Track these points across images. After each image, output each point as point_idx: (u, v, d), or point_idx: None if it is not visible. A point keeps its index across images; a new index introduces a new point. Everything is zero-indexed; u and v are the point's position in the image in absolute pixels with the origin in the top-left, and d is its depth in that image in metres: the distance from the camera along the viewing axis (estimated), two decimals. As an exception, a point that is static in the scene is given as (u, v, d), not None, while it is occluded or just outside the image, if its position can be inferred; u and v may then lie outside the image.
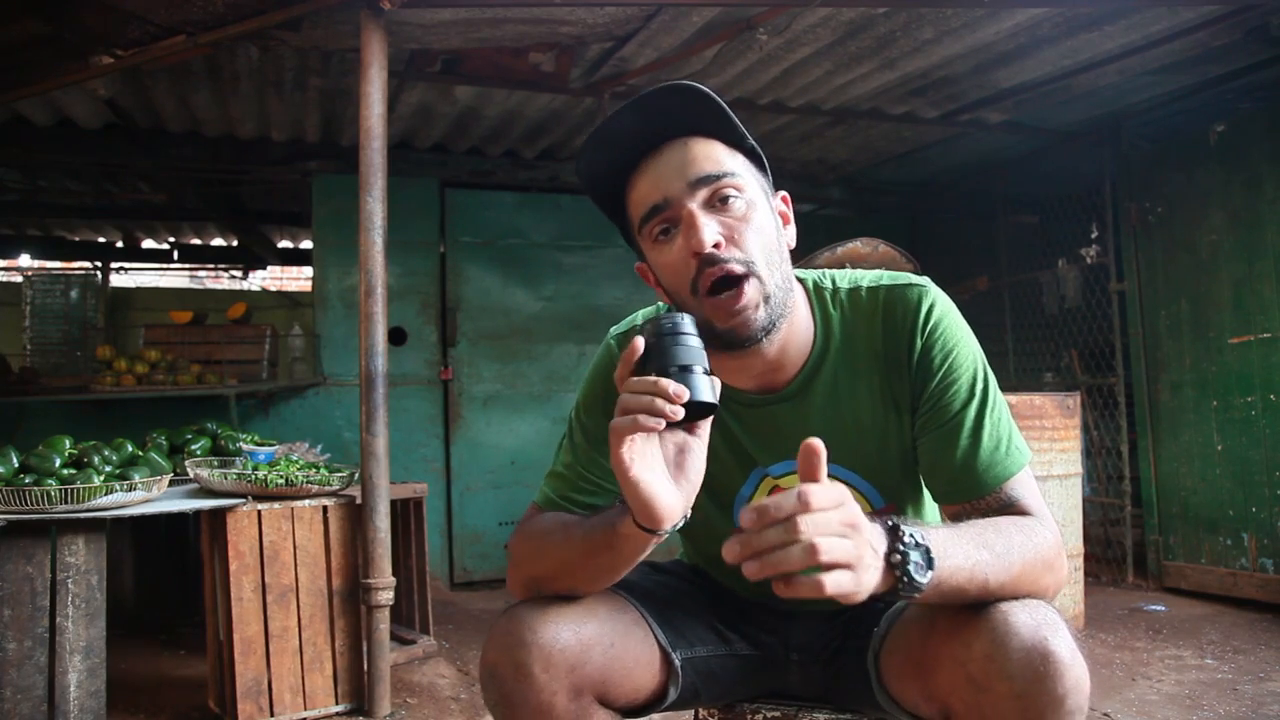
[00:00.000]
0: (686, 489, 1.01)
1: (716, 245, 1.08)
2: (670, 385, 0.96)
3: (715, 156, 1.11)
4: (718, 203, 1.10)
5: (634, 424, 0.95)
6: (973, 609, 1.02)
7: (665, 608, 1.28)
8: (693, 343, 1.01)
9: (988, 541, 1.03)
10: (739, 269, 1.08)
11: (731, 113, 1.11)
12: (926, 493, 1.29)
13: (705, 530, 1.33)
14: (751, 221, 1.11)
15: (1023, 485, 1.14)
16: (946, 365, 1.16)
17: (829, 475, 1.23)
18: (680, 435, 1.02)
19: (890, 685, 1.15)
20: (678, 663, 1.23)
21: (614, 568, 1.12)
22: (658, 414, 0.95)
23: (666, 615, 1.26)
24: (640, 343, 1.00)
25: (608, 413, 1.21)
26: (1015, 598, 1.02)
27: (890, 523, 0.94)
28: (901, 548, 0.93)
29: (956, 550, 0.99)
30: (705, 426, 1.03)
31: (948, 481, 1.16)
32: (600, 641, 1.13)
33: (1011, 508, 1.12)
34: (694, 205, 1.09)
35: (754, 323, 1.10)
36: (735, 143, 1.14)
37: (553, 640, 1.09)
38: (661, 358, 0.99)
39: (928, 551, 0.95)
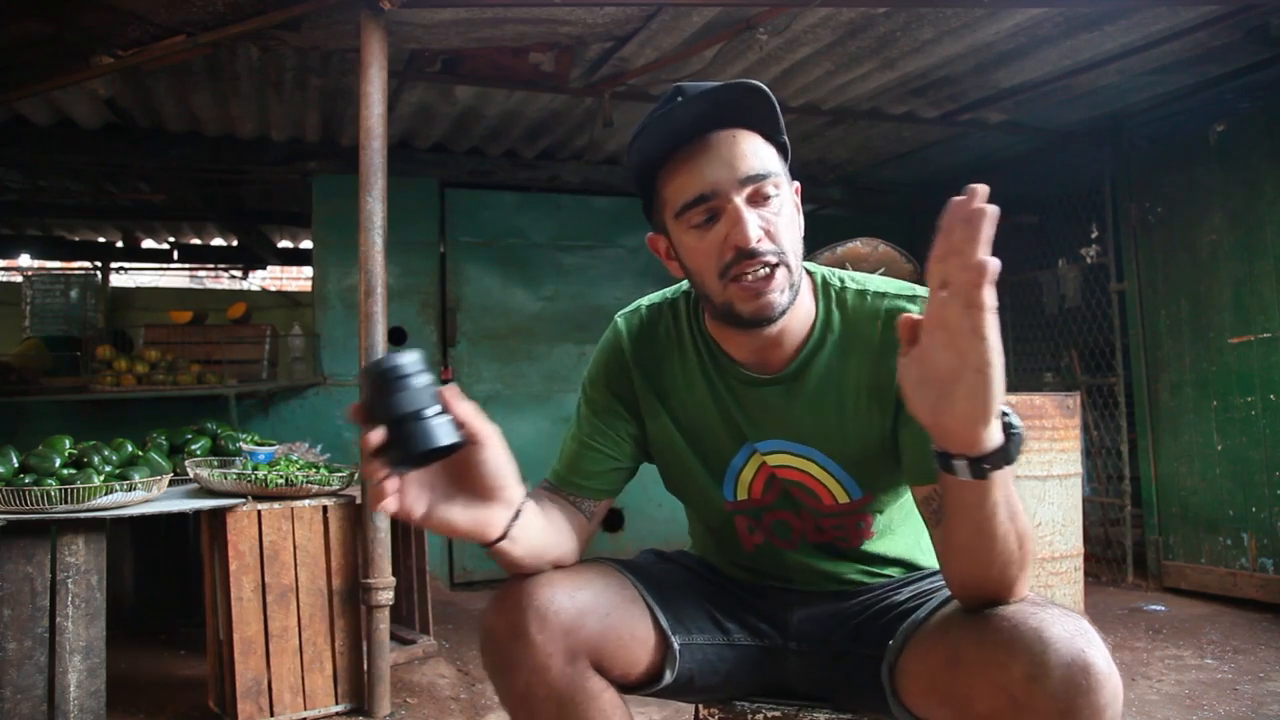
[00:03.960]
0: (497, 495, 1.07)
1: (758, 240, 1.14)
2: (370, 445, 0.96)
3: (761, 153, 1.17)
4: (759, 198, 1.16)
5: (376, 496, 0.98)
6: (1000, 626, 1.01)
7: (666, 592, 1.30)
8: (416, 384, 0.96)
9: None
10: (774, 259, 1.15)
11: (779, 111, 1.17)
12: (901, 496, 1.32)
13: (701, 500, 1.38)
14: (784, 216, 1.18)
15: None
16: None
17: (810, 460, 1.28)
18: (457, 456, 1.05)
19: (914, 708, 1.15)
20: (676, 646, 1.25)
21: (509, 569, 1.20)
22: (379, 482, 0.97)
23: (667, 599, 1.29)
24: (353, 409, 0.98)
25: (610, 388, 1.34)
26: (1017, 555, 1.02)
27: None
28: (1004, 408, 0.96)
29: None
30: (484, 442, 1.05)
31: (921, 460, 1.17)
32: (596, 609, 1.17)
33: None
34: (740, 200, 1.15)
35: (777, 306, 1.17)
36: (772, 135, 1.20)
37: (548, 603, 1.13)
38: (380, 410, 0.96)
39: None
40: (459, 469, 1.06)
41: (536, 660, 1.12)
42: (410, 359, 0.97)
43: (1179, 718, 2.74)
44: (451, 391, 1.00)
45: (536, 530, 1.17)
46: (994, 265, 0.84)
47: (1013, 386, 5.05)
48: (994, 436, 0.93)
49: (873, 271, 3.47)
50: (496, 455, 1.06)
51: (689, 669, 1.27)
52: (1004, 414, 0.95)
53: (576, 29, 3.36)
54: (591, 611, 1.16)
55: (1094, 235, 4.72)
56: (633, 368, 1.33)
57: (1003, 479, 0.97)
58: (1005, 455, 0.95)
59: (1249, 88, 4.05)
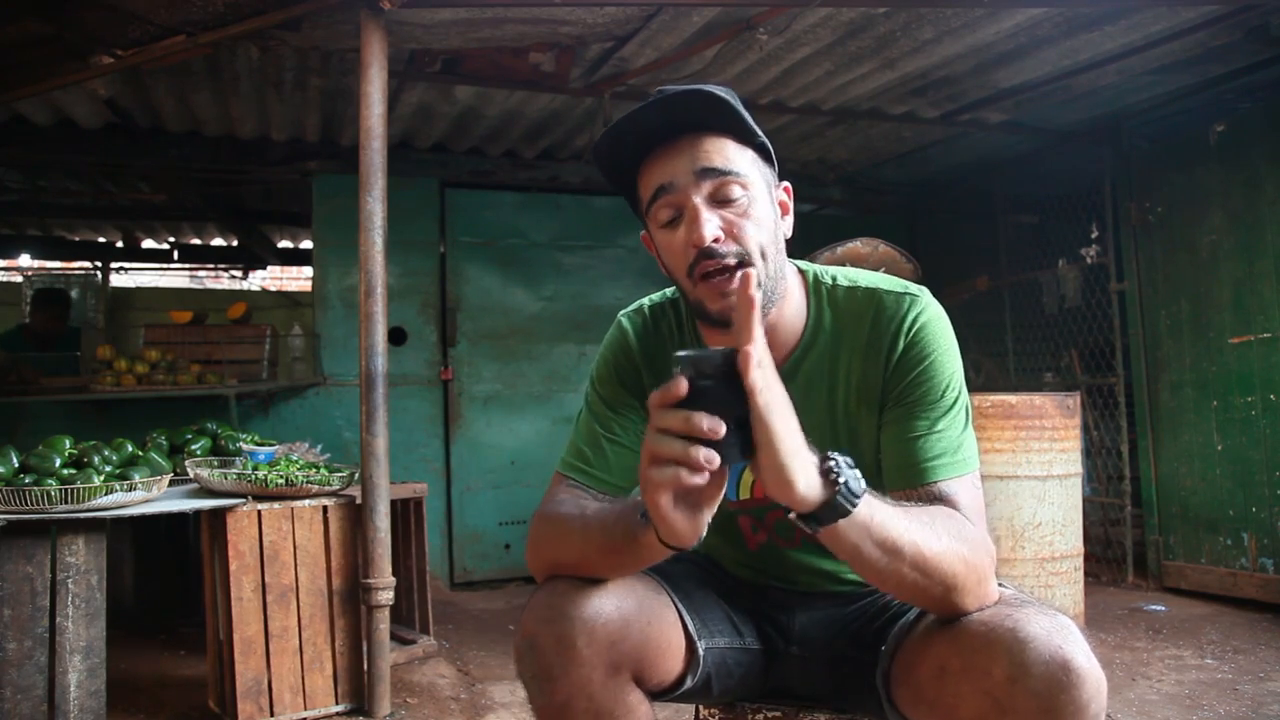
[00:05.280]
0: (707, 514, 0.99)
1: (716, 240, 1.14)
2: (706, 435, 0.89)
3: (725, 153, 1.17)
4: (721, 197, 1.16)
5: (675, 479, 0.91)
6: (977, 631, 1.02)
7: (690, 594, 1.30)
8: (737, 384, 0.91)
9: (914, 514, 1.05)
10: (733, 261, 1.15)
11: (745, 112, 1.16)
12: None
13: None
14: (752, 217, 1.17)
15: (961, 488, 1.15)
16: (920, 368, 1.20)
17: None
18: None
19: (906, 712, 1.16)
20: (701, 651, 1.24)
21: (632, 566, 1.14)
22: (697, 468, 0.90)
23: (692, 602, 1.28)
24: (684, 385, 0.91)
25: (621, 381, 1.34)
26: (951, 576, 1.03)
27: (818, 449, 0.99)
28: (831, 459, 0.97)
29: (887, 506, 1.02)
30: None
31: (897, 468, 1.19)
32: (639, 619, 1.14)
33: (942, 502, 1.14)
34: (698, 199, 1.15)
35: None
36: (746, 139, 1.20)
37: (596, 614, 1.10)
38: (724, 407, 0.90)
39: (856, 471, 0.98)
40: None
41: (581, 673, 1.09)
42: (727, 354, 0.93)
43: (1179, 718, 2.74)
44: None
45: None
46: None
47: (1013, 386, 5.02)
48: (810, 498, 0.94)
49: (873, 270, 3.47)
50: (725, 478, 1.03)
51: (708, 674, 1.27)
52: (833, 472, 0.96)
53: (576, 29, 3.36)
54: (635, 620, 1.14)
55: (1094, 235, 4.72)
56: (641, 365, 1.34)
57: (854, 528, 0.97)
58: (832, 512, 0.96)
59: (1249, 88, 4.05)
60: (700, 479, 0.90)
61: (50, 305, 5.12)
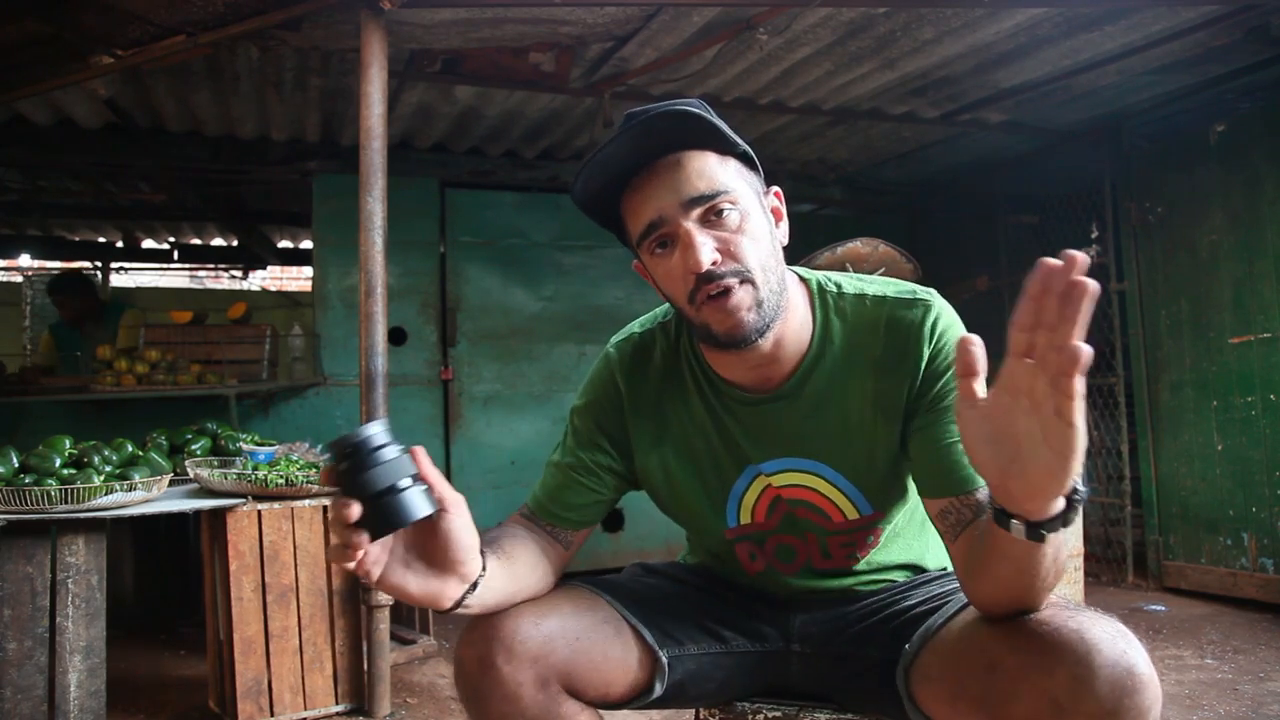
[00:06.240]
0: (453, 566, 1.04)
1: (714, 263, 1.11)
2: (349, 519, 0.95)
3: (707, 172, 1.13)
4: (712, 217, 1.13)
5: (340, 556, 0.98)
6: (1040, 632, 1.01)
7: (650, 607, 1.30)
8: (388, 456, 0.96)
9: None
10: (734, 281, 1.12)
11: (722, 124, 1.12)
12: (908, 504, 1.30)
13: (700, 529, 1.36)
14: (746, 232, 1.14)
15: None
16: (951, 372, 1.17)
17: (816, 475, 1.26)
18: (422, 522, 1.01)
19: (932, 712, 1.14)
20: (665, 660, 1.25)
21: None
22: (349, 547, 0.96)
23: (652, 615, 1.29)
24: (331, 472, 0.97)
25: (598, 423, 1.33)
26: (1059, 572, 1.02)
27: None
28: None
29: None
30: (450, 509, 1.03)
31: (937, 475, 1.16)
32: (564, 635, 1.17)
33: (986, 508, 1.12)
34: (689, 224, 1.12)
35: (746, 324, 1.13)
36: (726, 150, 1.16)
37: (513, 633, 1.14)
38: (356, 487, 0.95)
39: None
40: (420, 534, 1.03)
41: (506, 690, 1.12)
42: (378, 430, 0.97)
43: (1179, 718, 2.74)
44: (423, 457, 0.99)
45: (497, 590, 1.13)
46: (1087, 354, 0.80)
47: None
48: (1058, 503, 0.92)
49: (872, 271, 3.46)
50: (460, 524, 1.03)
51: (679, 679, 1.27)
52: (1076, 488, 0.93)
53: (576, 29, 3.36)
54: (559, 637, 1.16)
55: (1094, 235, 4.71)
56: (626, 402, 1.31)
57: (1057, 535, 0.95)
58: (1064, 520, 0.94)
59: (1249, 88, 4.05)
60: (356, 556, 0.96)
61: (65, 293, 5.07)
